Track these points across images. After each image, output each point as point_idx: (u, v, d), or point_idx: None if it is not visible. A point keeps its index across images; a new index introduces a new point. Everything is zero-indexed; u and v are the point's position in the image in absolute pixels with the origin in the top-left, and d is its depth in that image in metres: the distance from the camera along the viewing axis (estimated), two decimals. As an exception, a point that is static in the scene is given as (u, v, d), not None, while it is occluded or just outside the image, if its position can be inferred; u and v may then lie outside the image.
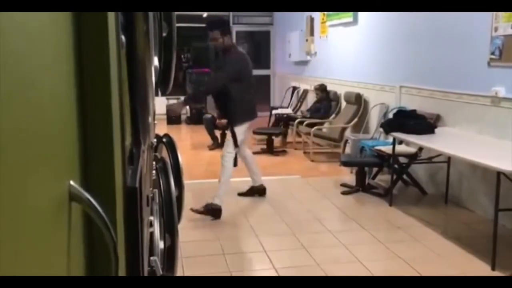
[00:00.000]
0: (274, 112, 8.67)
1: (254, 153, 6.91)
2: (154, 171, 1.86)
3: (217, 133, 7.36)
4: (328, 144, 7.01)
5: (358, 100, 6.58)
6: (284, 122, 7.86)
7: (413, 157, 4.90)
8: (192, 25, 10.56)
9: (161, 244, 1.66)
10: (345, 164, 5.37)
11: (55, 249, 0.57)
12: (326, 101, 7.46)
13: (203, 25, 11.00)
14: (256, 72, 11.55)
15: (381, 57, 6.24)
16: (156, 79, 1.78)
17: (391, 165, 4.85)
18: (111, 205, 0.75)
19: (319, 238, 3.83)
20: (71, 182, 0.61)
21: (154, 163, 1.93)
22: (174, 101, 7.74)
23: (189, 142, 8.31)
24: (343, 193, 5.03)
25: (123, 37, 0.96)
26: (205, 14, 10.85)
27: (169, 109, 7.18)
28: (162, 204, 1.84)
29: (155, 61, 1.68)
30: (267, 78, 11.70)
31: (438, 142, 4.07)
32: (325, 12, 7.94)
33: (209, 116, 7.54)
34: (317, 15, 8.37)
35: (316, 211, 4.46)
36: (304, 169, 6.18)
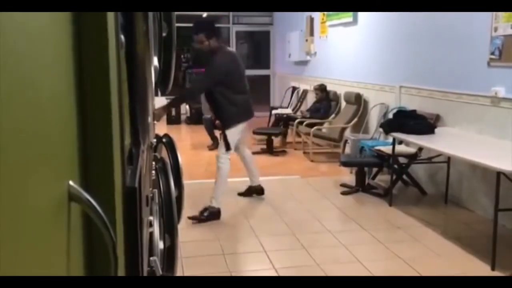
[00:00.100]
0: (274, 112, 8.67)
1: (254, 153, 6.91)
2: (153, 171, 1.86)
3: (217, 133, 7.35)
4: (328, 144, 7.02)
5: (358, 100, 6.58)
6: (284, 122, 7.86)
7: (413, 157, 4.90)
8: (192, 25, 10.54)
9: (160, 244, 1.66)
10: (345, 164, 5.37)
11: (55, 249, 0.57)
12: (326, 101, 7.46)
13: (203, 25, 11.03)
14: (256, 72, 11.72)
15: (381, 57, 6.24)
16: (156, 79, 1.78)
17: (391, 165, 4.85)
18: (110, 205, 0.75)
19: (319, 238, 3.83)
20: (71, 182, 0.61)
21: (153, 163, 1.93)
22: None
23: (189, 142, 8.31)
24: (343, 193, 5.03)
25: (122, 37, 0.96)
26: (205, 14, 10.85)
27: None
28: (161, 204, 1.84)
29: (155, 61, 1.68)
30: (267, 78, 11.71)
31: (438, 142, 4.07)
32: (325, 12, 7.94)
33: (208, 116, 7.54)
34: (317, 15, 8.37)
35: (316, 211, 4.46)
36: (304, 169, 6.18)
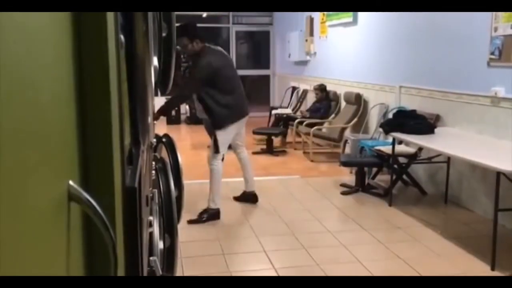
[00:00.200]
0: (274, 112, 8.67)
1: (254, 153, 6.94)
2: (153, 171, 1.86)
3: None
4: (328, 144, 7.02)
5: (357, 100, 6.59)
6: (283, 122, 7.86)
7: (412, 157, 4.90)
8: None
9: (160, 244, 1.67)
10: (345, 164, 5.37)
11: (55, 249, 0.57)
12: (325, 101, 7.46)
13: (203, 25, 11.05)
14: (256, 72, 11.73)
15: (381, 57, 6.24)
16: (156, 79, 1.78)
17: (390, 165, 4.85)
18: (110, 205, 0.75)
19: (319, 238, 3.83)
20: (70, 182, 0.61)
21: (153, 163, 1.93)
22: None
23: (189, 142, 8.31)
24: (343, 193, 5.03)
25: (122, 37, 0.96)
26: (204, 14, 10.85)
27: None
28: (161, 204, 1.84)
29: (155, 61, 1.68)
30: (267, 78, 11.71)
31: (438, 142, 4.07)
32: (325, 12, 7.95)
33: (206, 116, 7.53)
34: (317, 15, 8.37)
35: (316, 211, 4.46)
36: (304, 169, 6.18)
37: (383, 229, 4.03)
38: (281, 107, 9.27)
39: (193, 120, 9.89)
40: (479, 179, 4.33)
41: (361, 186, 5.06)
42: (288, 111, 8.62)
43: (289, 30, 9.72)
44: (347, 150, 6.26)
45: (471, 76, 4.45)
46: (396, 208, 4.53)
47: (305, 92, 8.89)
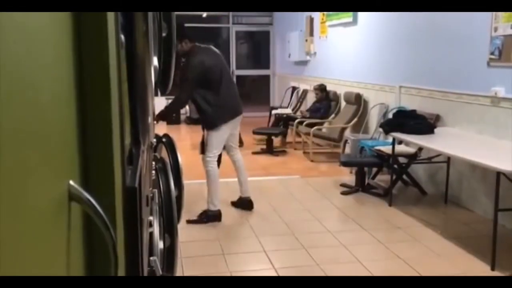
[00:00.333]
0: (273, 112, 8.67)
1: (254, 153, 6.95)
2: (153, 171, 1.86)
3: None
4: (328, 144, 7.02)
5: (357, 100, 6.59)
6: (284, 122, 7.86)
7: (412, 157, 4.90)
8: (192, 25, 10.55)
9: (160, 244, 1.67)
10: (345, 164, 5.37)
11: (55, 249, 0.57)
12: (325, 101, 7.46)
13: (203, 25, 11.05)
14: (256, 72, 11.73)
15: (381, 57, 6.24)
16: (156, 79, 1.78)
17: (390, 165, 4.85)
18: (110, 205, 0.75)
19: (319, 238, 3.83)
20: (71, 182, 0.61)
21: (153, 163, 1.93)
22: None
23: (189, 142, 8.31)
24: (343, 193, 5.03)
25: (122, 37, 0.96)
26: (204, 14, 10.85)
27: None
28: (161, 204, 1.84)
29: (155, 61, 1.68)
30: (267, 78, 11.71)
31: (438, 142, 4.07)
32: (325, 12, 7.95)
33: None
34: (317, 15, 8.37)
35: (316, 211, 4.46)
36: (304, 169, 6.18)
37: (383, 229, 4.03)
38: (281, 107, 9.27)
39: (193, 120, 9.89)
40: (479, 179, 4.33)
41: (361, 186, 5.06)
42: (288, 111, 8.62)
43: (289, 30, 9.72)
44: (347, 150, 6.26)
45: (471, 76, 4.45)
46: (396, 208, 4.53)
47: (305, 92, 8.89)
